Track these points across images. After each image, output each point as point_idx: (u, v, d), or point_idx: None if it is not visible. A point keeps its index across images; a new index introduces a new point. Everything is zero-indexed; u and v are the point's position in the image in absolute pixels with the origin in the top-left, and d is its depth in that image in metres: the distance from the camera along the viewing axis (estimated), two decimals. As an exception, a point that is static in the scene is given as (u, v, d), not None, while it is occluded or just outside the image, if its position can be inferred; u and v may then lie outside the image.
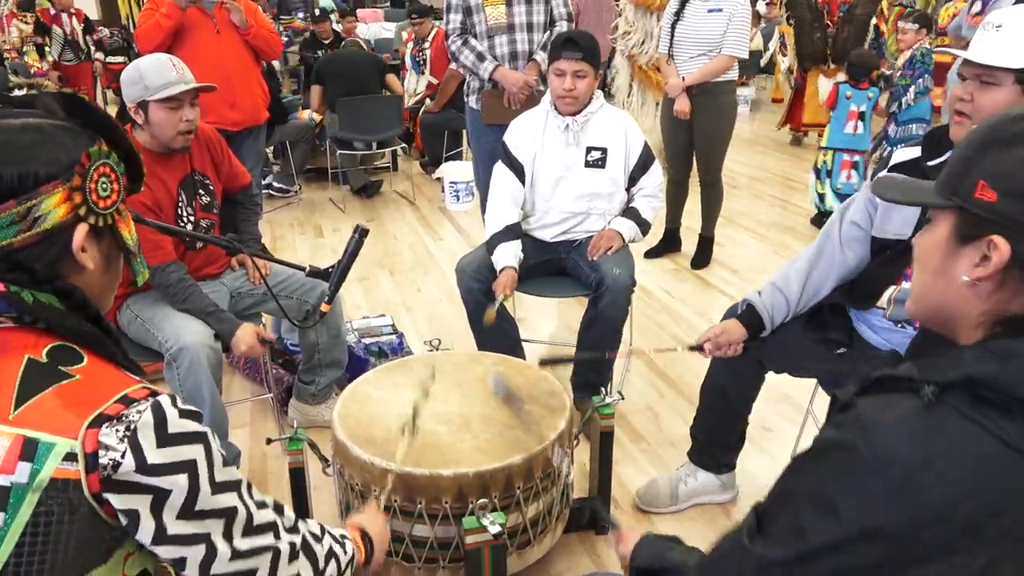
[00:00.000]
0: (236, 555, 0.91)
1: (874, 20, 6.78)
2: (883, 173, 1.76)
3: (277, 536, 0.97)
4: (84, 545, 0.80)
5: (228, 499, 0.90)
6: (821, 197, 4.76)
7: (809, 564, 0.77)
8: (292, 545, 0.99)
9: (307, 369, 2.64)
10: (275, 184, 5.69)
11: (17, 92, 7.74)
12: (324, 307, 1.88)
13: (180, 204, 2.31)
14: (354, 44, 6.72)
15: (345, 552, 1.13)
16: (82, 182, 0.86)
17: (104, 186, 0.89)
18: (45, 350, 0.83)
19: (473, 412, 1.90)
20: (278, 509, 1.00)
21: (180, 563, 0.88)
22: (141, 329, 2.20)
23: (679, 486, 2.25)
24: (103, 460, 0.79)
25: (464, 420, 1.87)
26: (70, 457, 0.78)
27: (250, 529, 0.93)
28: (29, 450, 0.78)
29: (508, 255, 2.53)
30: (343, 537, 1.17)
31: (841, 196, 4.58)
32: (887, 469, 0.73)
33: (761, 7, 8.97)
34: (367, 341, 3.03)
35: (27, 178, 0.82)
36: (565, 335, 3.39)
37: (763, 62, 8.79)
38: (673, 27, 3.83)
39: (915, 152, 1.71)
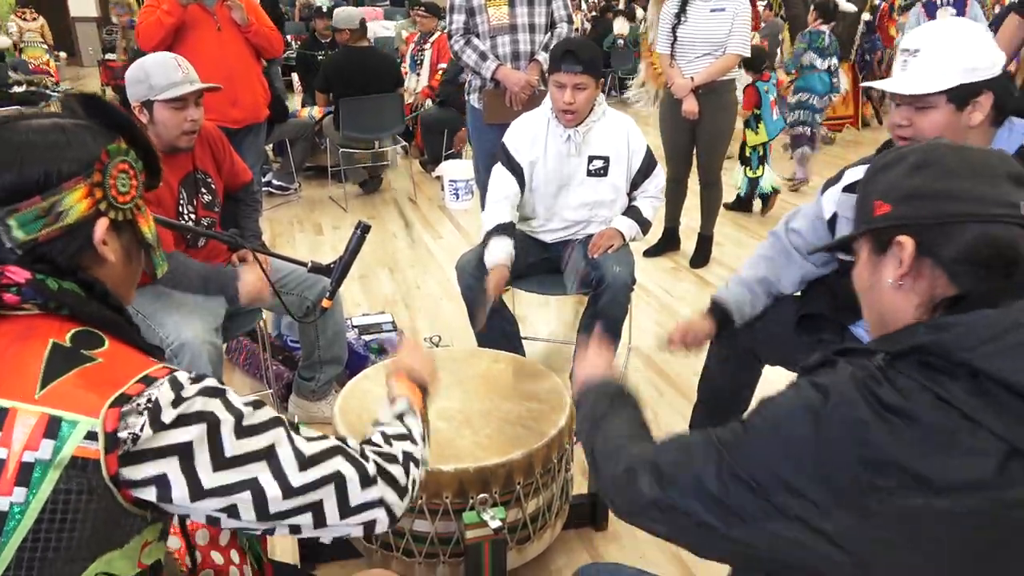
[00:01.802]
0: (290, 492, 0.90)
1: (866, 16, 7.01)
2: (838, 189, 1.77)
3: (341, 462, 0.95)
4: (100, 527, 0.82)
5: (263, 440, 0.90)
6: (751, 181, 5.11)
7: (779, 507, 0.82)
8: (364, 472, 0.97)
9: (307, 365, 2.65)
10: (275, 182, 5.69)
11: (17, 89, 7.73)
12: (325, 303, 1.88)
13: (181, 202, 2.31)
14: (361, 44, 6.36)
15: (417, 443, 1.09)
16: (102, 178, 0.90)
17: (123, 182, 0.93)
18: (68, 335, 0.87)
19: (473, 408, 1.91)
20: (341, 440, 0.99)
21: (232, 511, 0.88)
22: (142, 324, 2.20)
23: None
24: (122, 435, 0.82)
25: (464, 416, 1.88)
26: (91, 436, 0.81)
27: (304, 462, 0.92)
28: (53, 428, 0.80)
29: (499, 252, 2.52)
30: (405, 419, 1.13)
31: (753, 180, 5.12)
32: (845, 412, 0.80)
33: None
34: (367, 338, 3.03)
35: (52, 175, 0.86)
36: (565, 333, 3.40)
37: (776, 61, 8.96)
38: (674, 28, 3.83)
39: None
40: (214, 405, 0.87)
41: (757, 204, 5.18)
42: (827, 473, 0.79)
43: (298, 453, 0.92)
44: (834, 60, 5.59)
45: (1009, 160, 0.92)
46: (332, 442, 0.97)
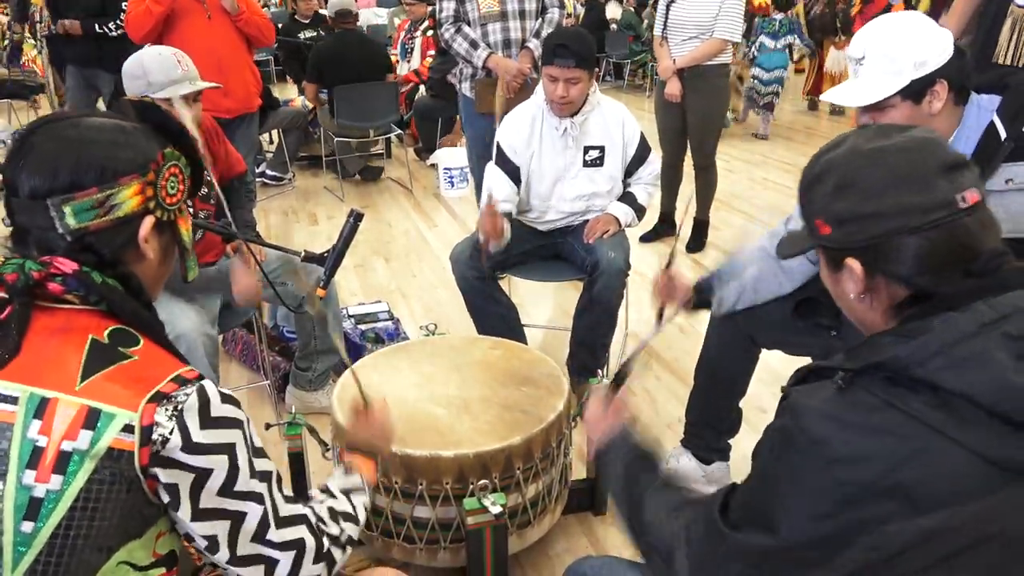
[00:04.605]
0: (265, 543, 0.97)
1: None
2: None
3: (307, 531, 1.03)
4: (125, 516, 0.87)
5: (261, 487, 0.96)
6: None
7: (782, 551, 0.83)
8: (319, 547, 1.04)
9: (303, 356, 2.64)
10: (268, 172, 5.66)
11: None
12: (320, 292, 1.88)
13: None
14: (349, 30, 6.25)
15: (359, 523, 1.16)
16: (155, 178, 0.96)
17: (173, 185, 0.99)
18: (106, 332, 0.92)
19: (472, 395, 1.91)
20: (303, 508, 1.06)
21: (212, 541, 0.94)
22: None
23: None
24: (154, 435, 0.86)
25: (464, 403, 1.88)
26: (128, 429, 0.85)
27: (279, 521, 0.99)
28: (92, 419, 0.85)
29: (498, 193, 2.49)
30: (353, 496, 1.19)
31: None
32: (818, 448, 0.80)
33: None
34: (363, 327, 3.03)
35: (109, 171, 0.92)
36: (561, 319, 3.40)
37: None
38: (668, 9, 3.83)
39: None
40: (235, 436, 0.93)
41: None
42: (820, 516, 0.79)
43: (275, 509, 0.99)
44: (789, 39, 6.78)
45: (940, 148, 0.87)
46: (301, 509, 1.03)
